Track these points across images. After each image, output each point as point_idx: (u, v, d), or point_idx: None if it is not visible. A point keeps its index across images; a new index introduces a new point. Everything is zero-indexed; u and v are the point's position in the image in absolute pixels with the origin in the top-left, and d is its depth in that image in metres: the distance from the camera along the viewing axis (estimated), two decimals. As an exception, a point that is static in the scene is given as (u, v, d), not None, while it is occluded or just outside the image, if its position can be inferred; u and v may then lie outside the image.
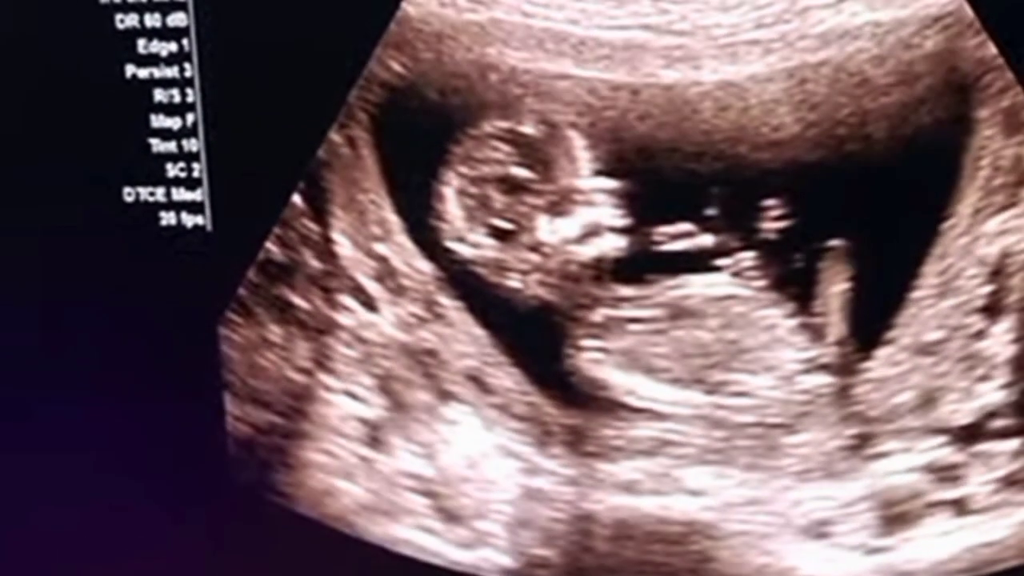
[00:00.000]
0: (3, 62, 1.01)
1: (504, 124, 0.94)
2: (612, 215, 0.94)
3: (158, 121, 0.99)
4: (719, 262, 0.93)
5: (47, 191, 1.02)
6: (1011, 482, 0.94)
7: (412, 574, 1.03)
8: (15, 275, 1.04)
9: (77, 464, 1.07)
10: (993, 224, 0.91)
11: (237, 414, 1.03)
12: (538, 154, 0.94)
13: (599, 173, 0.94)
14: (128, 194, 1.01)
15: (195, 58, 0.98)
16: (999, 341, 0.92)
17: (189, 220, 1.01)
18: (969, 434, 0.94)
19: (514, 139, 0.95)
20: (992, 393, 0.93)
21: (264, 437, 1.03)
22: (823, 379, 0.94)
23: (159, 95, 0.98)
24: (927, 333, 0.93)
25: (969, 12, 0.88)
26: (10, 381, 1.07)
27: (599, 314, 0.96)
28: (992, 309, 0.92)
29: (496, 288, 0.97)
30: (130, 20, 0.98)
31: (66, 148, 1.01)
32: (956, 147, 0.90)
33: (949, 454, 0.94)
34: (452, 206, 0.97)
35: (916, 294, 0.93)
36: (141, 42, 0.98)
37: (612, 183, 0.94)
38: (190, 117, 0.99)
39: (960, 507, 0.95)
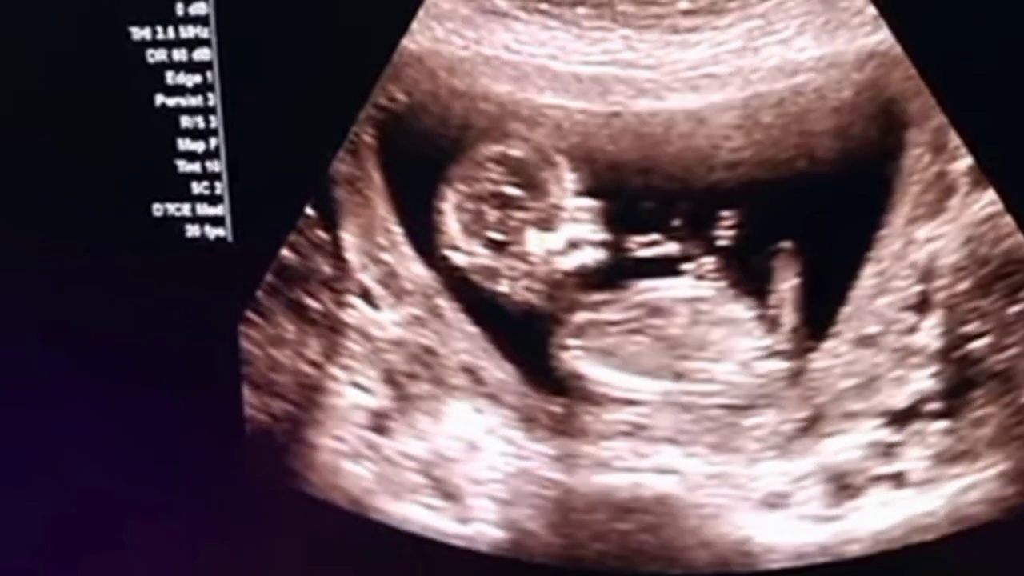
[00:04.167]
0: (46, 92, 1.04)
1: (497, 148, 0.97)
2: (591, 230, 0.97)
3: (184, 145, 1.02)
4: (684, 267, 0.97)
5: (84, 206, 1.05)
6: (942, 459, 0.97)
7: (415, 548, 1.06)
8: (54, 283, 1.07)
9: (109, 446, 1.10)
10: (923, 232, 0.94)
11: (255, 404, 1.06)
12: (529, 175, 0.97)
13: (581, 193, 0.97)
14: (157, 209, 1.04)
15: (218, 89, 1.01)
16: (928, 335, 0.96)
17: (212, 232, 1.04)
18: (905, 416, 0.97)
19: (507, 162, 0.97)
20: (924, 380, 0.96)
21: (279, 425, 1.07)
22: (778, 364, 0.97)
23: (185, 121, 1.02)
24: (866, 327, 0.96)
25: (899, 48, 0.92)
26: (49, 378, 1.09)
27: (580, 316, 0.99)
28: (922, 307, 0.96)
29: (489, 292, 1.00)
30: (159, 55, 1.01)
31: (102, 168, 1.04)
32: (890, 164, 0.93)
33: (888, 434, 0.97)
34: (450, 219, 1.00)
35: (856, 292, 0.96)
36: (169, 74, 1.01)
37: (592, 202, 0.96)
38: (213, 141, 1.02)
39: (899, 481, 0.98)
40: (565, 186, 0.98)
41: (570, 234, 0.98)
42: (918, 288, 0.96)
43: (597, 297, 0.99)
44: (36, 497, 1.12)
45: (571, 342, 1.00)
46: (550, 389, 1.02)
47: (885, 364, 0.97)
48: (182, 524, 1.11)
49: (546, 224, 0.99)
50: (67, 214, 1.06)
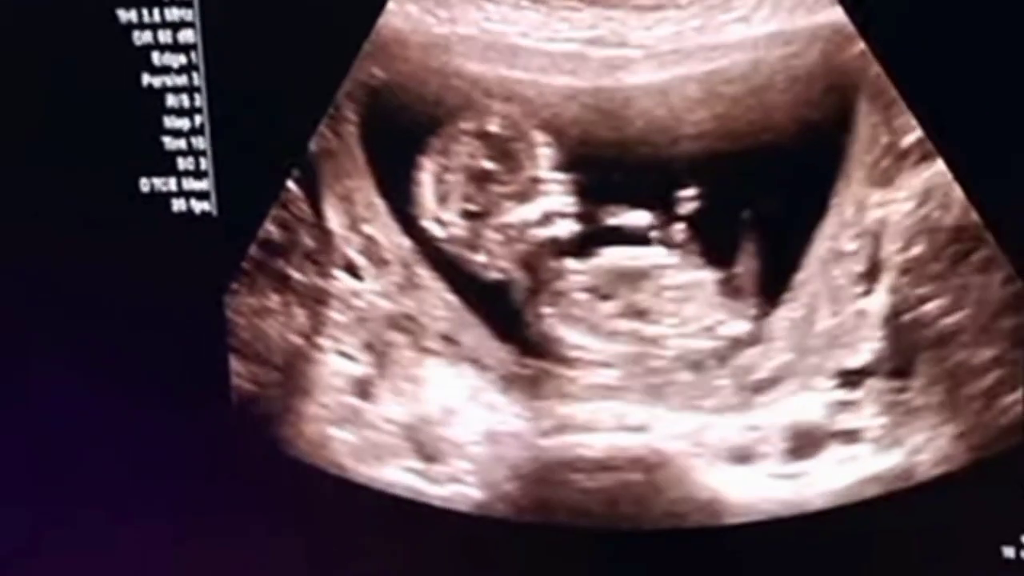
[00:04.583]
0: (37, 74, 1.05)
1: (473, 123, 0.99)
2: (565, 202, 1.00)
3: (170, 122, 1.04)
4: (653, 235, 1.00)
5: (74, 183, 1.07)
6: (896, 417, 1.00)
7: (397, 510, 1.08)
8: (43, 257, 1.09)
9: (96, 417, 1.11)
10: (873, 200, 0.97)
11: (241, 373, 1.08)
12: (504, 149, 0.99)
13: (554, 166, 0.99)
14: (144, 184, 1.06)
15: (202, 69, 1.03)
16: (880, 298, 0.98)
17: (197, 206, 1.06)
18: (860, 376, 1.00)
19: (483, 136, 1.00)
20: (877, 342, 0.99)
21: (265, 393, 1.09)
22: (740, 327, 1.00)
23: (171, 100, 1.04)
24: (821, 291, 0.99)
25: (850, 25, 0.94)
26: (37, 350, 1.11)
27: (555, 284, 1.02)
28: (874, 271, 0.98)
29: (466, 262, 1.03)
30: (146, 37, 1.03)
31: (91, 145, 1.06)
32: (844, 135, 0.96)
33: (844, 393, 1.00)
34: (429, 192, 1.02)
35: (811, 258, 0.99)
36: (155, 55, 1.03)
37: (565, 175, 0.99)
38: (198, 119, 1.04)
39: (855, 438, 1.01)
40: (539, 160, 1.00)
41: (545, 206, 1.01)
42: (870, 253, 0.99)
43: (571, 265, 1.02)
44: (22, 466, 1.14)
45: (546, 308, 1.03)
46: (527, 353, 1.04)
47: (840, 326, 1.00)
48: (170, 492, 1.13)
49: (522, 196, 1.01)
50: (57, 190, 1.08)
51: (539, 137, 1.00)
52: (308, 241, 1.06)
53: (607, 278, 1.02)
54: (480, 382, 1.05)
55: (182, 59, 1.03)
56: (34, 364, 1.12)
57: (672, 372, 1.03)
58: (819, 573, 1.05)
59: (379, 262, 1.05)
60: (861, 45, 0.95)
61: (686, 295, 1.01)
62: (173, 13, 1.02)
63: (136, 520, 1.13)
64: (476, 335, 1.04)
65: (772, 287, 1.00)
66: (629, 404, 1.04)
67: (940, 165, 0.96)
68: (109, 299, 1.09)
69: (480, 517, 1.07)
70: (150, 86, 1.04)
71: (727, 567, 1.07)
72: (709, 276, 1.01)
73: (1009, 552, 1.02)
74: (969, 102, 0.95)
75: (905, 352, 1.00)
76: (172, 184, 1.06)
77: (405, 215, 1.03)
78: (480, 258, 1.03)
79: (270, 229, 1.05)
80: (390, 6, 0.99)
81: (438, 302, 1.05)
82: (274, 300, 1.07)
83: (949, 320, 0.99)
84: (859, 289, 0.99)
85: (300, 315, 1.07)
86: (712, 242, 1.00)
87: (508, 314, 1.04)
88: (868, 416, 1.01)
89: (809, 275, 1.00)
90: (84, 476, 1.14)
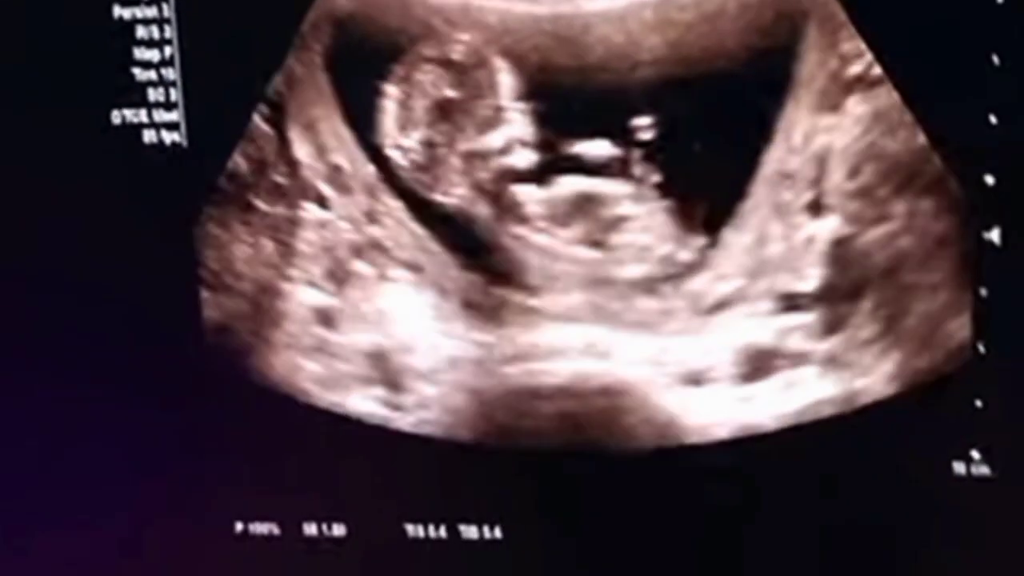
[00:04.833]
0: (6, 6, 1.06)
1: (435, 51, 1.00)
2: (526, 131, 1.01)
3: (140, 53, 1.05)
4: (610, 164, 1.01)
5: (46, 114, 1.08)
6: (845, 340, 1.02)
7: (364, 436, 1.09)
8: (14, 187, 1.09)
9: (71, 341, 1.12)
10: (821, 125, 0.98)
11: (211, 304, 1.09)
12: (466, 77, 1.00)
13: (515, 94, 1.00)
14: (115, 116, 1.07)
15: (172, 0, 1.04)
16: (826, 224, 1.00)
17: (167, 137, 1.07)
18: (809, 299, 1.01)
19: (445, 64, 1.01)
20: (824, 266, 1.01)
21: (235, 323, 1.10)
22: (694, 253, 1.02)
23: (141, 32, 1.05)
24: (769, 217, 1.01)
25: None
26: (7, 274, 1.11)
27: (515, 211, 1.03)
28: (820, 197, 1.00)
29: (430, 190, 1.04)
30: None
31: (62, 78, 1.06)
32: (794, 61, 0.98)
33: (794, 317, 1.02)
34: (394, 120, 1.03)
35: (759, 184, 1.00)
36: None
37: (526, 103, 1.00)
38: (168, 50, 1.05)
39: (803, 361, 1.03)
40: (501, 88, 1.02)
41: (507, 134, 1.02)
42: (817, 178, 1.00)
43: (532, 194, 1.03)
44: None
45: (508, 237, 1.05)
46: (489, 281, 1.06)
47: (788, 251, 1.02)
48: (141, 421, 1.13)
49: (484, 124, 1.02)
50: (27, 122, 1.09)
51: (500, 64, 1.01)
52: (276, 171, 1.07)
53: (566, 206, 1.03)
54: (443, 310, 1.06)
55: (152, -10, 1.05)
56: (2, 292, 1.12)
57: (629, 298, 1.04)
58: (774, 493, 1.07)
59: (345, 191, 1.05)
60: (812, -27, 0.97)
61: (642, 222, 1.03)
62: (142, -56, 1.03)
63: (107, 450, 1.13)
64: (439, 263, 1.05)
65: (722, 213, 1.01)
66: (588, 330, 1.05)
67: (887, 91, 0.98)
68: (79, 229, 1.10)
69: (445, 442, 1.09)
70: (120, 18, 1.05)
71: (686, 487, 1.08)
72: (663, 203, 1.02)
73: (960, 468, 1.04)
74: (917, 25, 0.96)
75: (852, 277, 1.01)
76: (143, 115, 1.07)
77: (370, 143, 1.04)
78: (443, 186, 1.04)
79: (239, 160, 1.06)
80: (354, -64, 1.00)
81: (403, 231, 1.05)
82: (243, 231, 1.08)
83: (896, 245, 1.01)
84: (806, 215, 1.01)
85: (268, 246, 1.08)
86: (666, 170, 1.01)
87: (471, 242, 1.05)
88: (817, 340, 1.03)
89: (758, 201, 1.01)
90: (54, 406, 1.14)
